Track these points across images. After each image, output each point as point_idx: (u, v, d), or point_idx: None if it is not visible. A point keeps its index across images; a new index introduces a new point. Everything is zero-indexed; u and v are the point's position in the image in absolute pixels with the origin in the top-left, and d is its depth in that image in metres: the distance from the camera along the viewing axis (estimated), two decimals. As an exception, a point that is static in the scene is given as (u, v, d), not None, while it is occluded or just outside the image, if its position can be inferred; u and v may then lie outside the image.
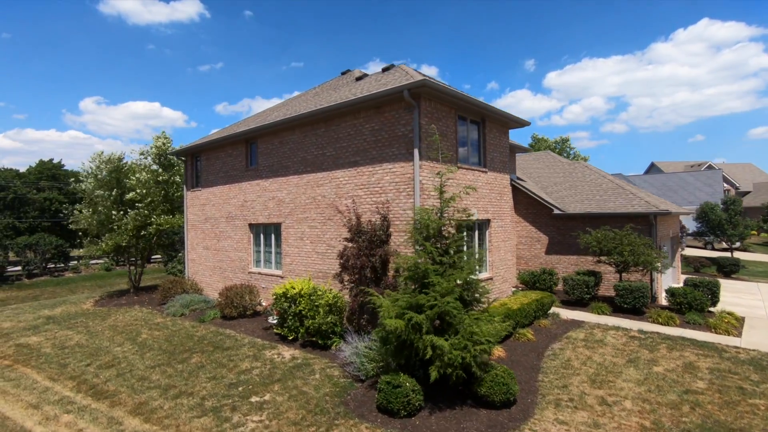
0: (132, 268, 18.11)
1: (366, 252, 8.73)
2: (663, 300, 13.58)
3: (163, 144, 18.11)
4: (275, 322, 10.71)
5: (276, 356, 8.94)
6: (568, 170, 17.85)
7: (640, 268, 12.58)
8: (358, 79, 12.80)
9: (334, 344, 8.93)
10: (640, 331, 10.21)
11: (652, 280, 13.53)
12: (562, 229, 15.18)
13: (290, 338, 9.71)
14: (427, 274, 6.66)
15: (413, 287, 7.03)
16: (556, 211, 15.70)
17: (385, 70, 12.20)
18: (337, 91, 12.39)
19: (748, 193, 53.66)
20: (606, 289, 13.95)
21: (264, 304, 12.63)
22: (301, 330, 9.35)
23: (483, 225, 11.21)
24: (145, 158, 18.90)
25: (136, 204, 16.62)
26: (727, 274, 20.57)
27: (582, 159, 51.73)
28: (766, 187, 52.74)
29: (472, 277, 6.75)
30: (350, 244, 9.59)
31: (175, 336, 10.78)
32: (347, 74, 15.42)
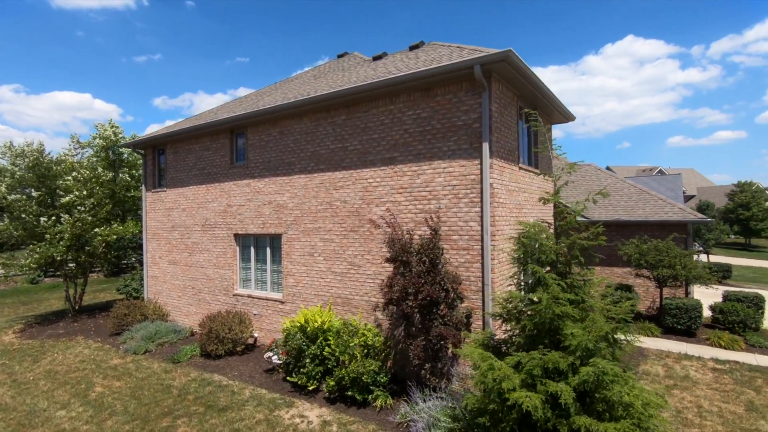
0: (71, 286, 14.57)
1: (428, 279, 6.57)
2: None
3: (113, 134, 14.77)
4: (279, 361, 8.27)
5: (299, 421, 6.55)
6: (579, 173, 16.65)
7: (680, 283, 11.43)
8: (377, 58, 10.57)
9: (379, 401, 6.67)
10: (716, 360, 8.86)
11: (687, 294, 12.46)
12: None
13: (310, 388, 7.33)
14: (556, 320, 4.65)
15: (524, 337, 4.99)
16: (578, 218, 14.32)
17: (413, 48, 10.08)
18: (350, 72, 10.10)
19: (692, 197, 56.93)
20: (640, 305, 12.73)
21: (256, 335, 10.07)
22: (329, 380, 7.01)
23: (534, 237, 9.39)
24: (83, 150, 15.45)
25: (77, 208, 13.25)
26: (720, 281, 20.44)
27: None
28: (710, 191, 56.26)
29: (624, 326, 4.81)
30: (391, 266, 7.39)
31: (145, 388, 7.99)
32: (347, 57, 13.14)
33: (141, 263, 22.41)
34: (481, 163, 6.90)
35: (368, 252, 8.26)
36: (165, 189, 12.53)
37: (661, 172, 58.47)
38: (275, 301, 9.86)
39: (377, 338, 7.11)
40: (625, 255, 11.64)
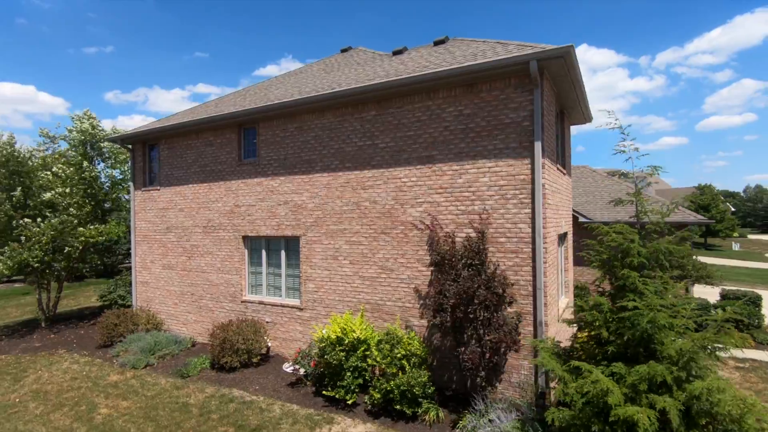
0: (44, 293, 13.21)
1: (480, 283, 6.22)
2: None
3: (91, 127, 13.54)
4: (305, 373, 7.73)
5: (347, 439, 6.05)
6: (575, 174, 16.90)
7: (692, 282, 11.72)
8: (396, 53, 10.15)
9: (431, 413, 6.27)
10: (735, 359, 9.06)
11: (687, 293, 12.82)
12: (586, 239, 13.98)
13: (349, 402, 6.83)
14: (650, 328, 4.42)
15: (617, 346, 4.74)
16: (581, 219, 14.52)
17: (437, 43, 9.73)
18: (367, 67, 9.64)
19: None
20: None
21: (269, 344, 9.41)
22: (374, 393, 6.53)
23: (562, 239, 9.28)
24: (53, 145, 14.13)
25: (58, 207, 12.01)
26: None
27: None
28: (668, 193, 59.49)
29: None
30: (429, 270, 7.02)
31: (159, 408, 7.21)
32: (353, 51, 12.65)
33: (118, 268, 20.93)
34: (532, 163, 6.65)
35: (402, 255, 7.84)
36: (158, 187, 11.55)
37: (624, 175, 61.24)
38: (291, 307, 9.24)
39: (422, 347, 6.71)
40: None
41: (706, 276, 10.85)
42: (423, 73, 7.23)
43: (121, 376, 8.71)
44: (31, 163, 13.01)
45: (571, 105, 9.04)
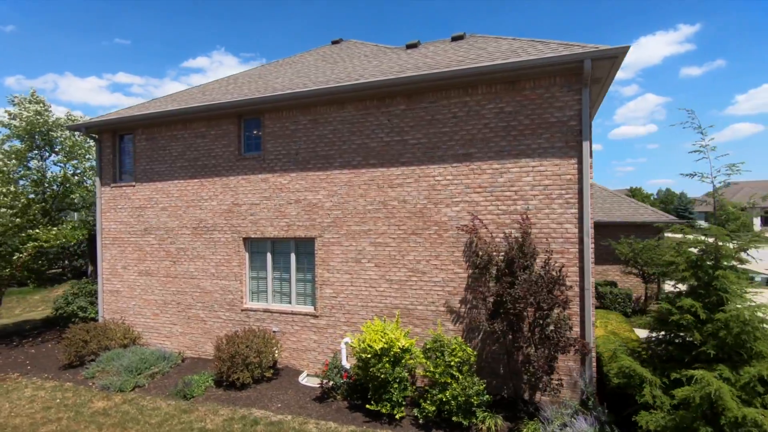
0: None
1: (540, 285, 6.05)
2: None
3: (39, 113, 11.67)
4: (332, 385, 7.16)
5: (408, 457, 5.59)
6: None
7: (656, 278, 12.57)
8: (410, 47, 9.76)
9: (488, 423, 5.98)
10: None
11: (659, 288, 13.76)
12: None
13: (397, 416, 6.35)
14: (743, 330, 4.47)
15: (712, 347, 4.74)
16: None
17: (455, 39, 9.49)
18: (380, 59, 9.19)
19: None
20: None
21: (278, 356, 8.62)
22: (426, 406, 6.12)
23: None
24: None
25: (14, 217, 10.18)
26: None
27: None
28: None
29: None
30: (466, 273, 6.76)
31: (173, 438, 6.24)
32: (347, 43, 12.10)
33: (80, 273, 18.47)
34: (579, 163, 6.62)
35: (436, 257, 7.50)
36: (133, 183, 10.18)
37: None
38: (304, 315, 8.52)
39: (473, 354, 6.41)
40: (621, 254, 12.42)
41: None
42: (465, 67, 6.94)
43: (108, 401, 7.48)
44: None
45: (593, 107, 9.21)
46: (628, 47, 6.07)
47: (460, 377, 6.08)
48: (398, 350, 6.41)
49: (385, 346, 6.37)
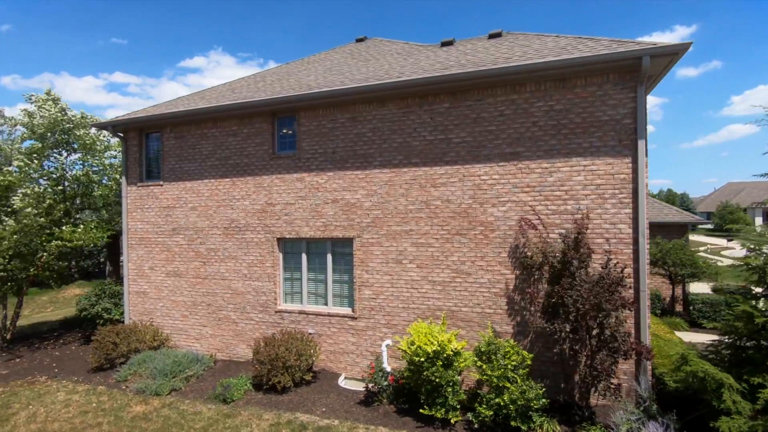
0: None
1: (601, 286, 5.91)
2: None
3: (60, 112, 11.46)
4: (377, 389, 7.01)
5: (469, 463, 5.44)
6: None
7: (697, 279, 12.45)
8: (445, 44, 9.62)
9: (545, 427, 5.84)
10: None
11: (684, 290, 13.66)
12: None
13: (452, 421, 6.20)
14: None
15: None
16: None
17: (492, 36, 9.36)
18: (420, 57, 9.05)
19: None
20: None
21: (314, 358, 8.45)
22: (482, 410, 5.97)
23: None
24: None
25: (24, 210, 9.98)
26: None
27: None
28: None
29: None
30: (513, 273, 6.62)
31: (222, 443, 6.07)
32: (372, 41, 11.96)
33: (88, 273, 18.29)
34: (634, 162, 6.49)
35: (482, 258, 7.36)
36: (161, 182, 10.00)
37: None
38: (342, 316, 8.37)
39: (529, 356, 6.27)
40: (650, 255, 12.32)
41: (714, 274, 11.62)
42: (515, 64, 6.80)
43: (147, 406, 7.30)
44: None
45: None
46: (690, 44, 5.94)
47: (519, 380, 5.94)
48: (451, 353, 6.26)
49: (438, 348, 6.22)
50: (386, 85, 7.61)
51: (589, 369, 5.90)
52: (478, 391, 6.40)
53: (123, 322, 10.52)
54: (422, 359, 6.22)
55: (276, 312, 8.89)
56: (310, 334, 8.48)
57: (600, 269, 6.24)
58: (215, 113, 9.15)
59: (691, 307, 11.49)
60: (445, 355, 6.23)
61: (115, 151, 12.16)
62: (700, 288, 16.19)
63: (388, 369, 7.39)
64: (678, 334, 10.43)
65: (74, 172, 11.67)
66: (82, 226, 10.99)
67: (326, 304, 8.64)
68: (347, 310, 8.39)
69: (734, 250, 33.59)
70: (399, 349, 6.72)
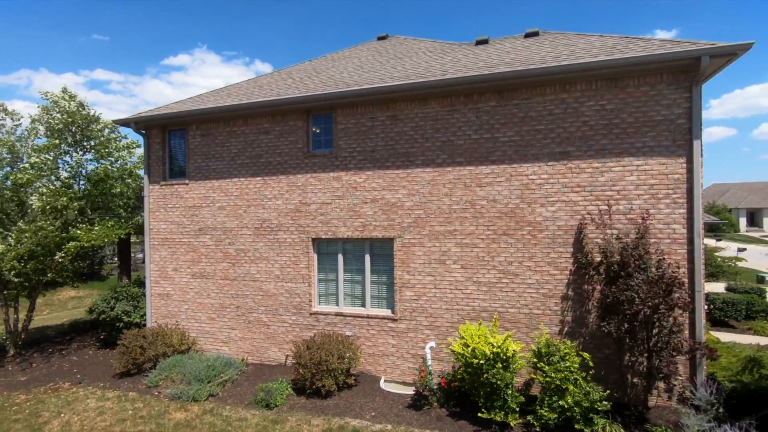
0: (9, 311, 10.51)
1: (660, 287, 5.87)
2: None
3: (78, 108, 11.07)
4: (427, 392, 6.88)
5: (539, 468, 5.34)
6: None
7: (715, 279, 12.59)
8: (480, 42, 9.54)
9: (608, 430, 5.77)
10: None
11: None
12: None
13: (512, 424, 6.10)
14: None
15: None
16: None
17: (528, 36, 9.31)
18: (458, 55, 8.95)
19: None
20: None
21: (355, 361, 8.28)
22: (545, 413, 5.88)
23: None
24: (14, 123, 11.48)
25: (45, 208, 9.60)
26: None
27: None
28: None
29: None
30: (563, 274, 6.58)
31: (277, 451, 5.87)
32: (394, 39, 11.84)
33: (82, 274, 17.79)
34: (689, 162, 6.49)
35: (530, 258, 7.28)
36: (186, 181, 9.71)
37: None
38: (381, 318, 8.21)
39: (589, 358, 6.20)
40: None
41: (733, 273, 11.76)
42: (567, 63, 6.74)
43: (186, 412, 7.04)
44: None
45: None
46: (752, 43, 5.95)
47: (581, 382, 5.87)
48: (510, 355, 6.16)
49: (498, 350, 6.12)
50: (431, 83, 7.48)
51: (647, 370, 5.87)
52: (531, 392, 6.31)
53: (143, 325, 10.19)
54: (482, 361, 6.11)
55: (311, 314, 8.69)
56: (348, 336, 8.30)
57: (654, 270, 6.21)
58: (246, 110, 8.90)
59: (711, 306, 11.63)
60: (504, 357, 6.13)
61: (130, 150, 11.78)
62: (713, 287, 16.40)
63: (434, 371, 7.26)
64: (720, 334, 10.55)
65: (91, 168, 11.27)
66: (98, 224, 10.59)
67: (364, 305, 8.47)
68: (387, 312, 8.24)
69: (725, 251, 34.25)
70: (452, 351, 6.60)
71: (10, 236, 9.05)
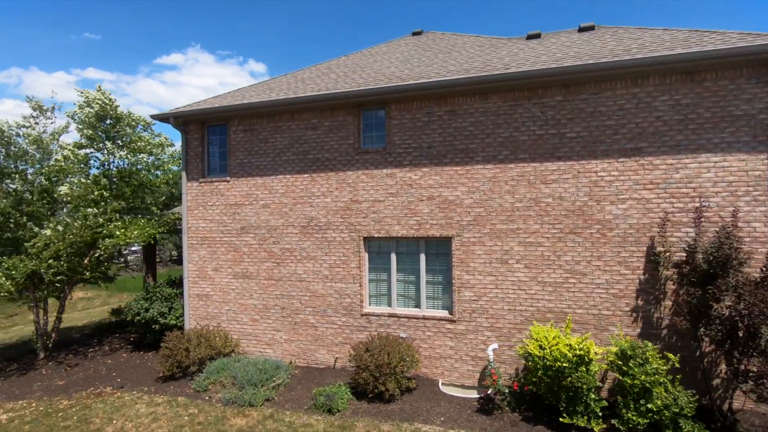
0: (39, 311, 10.15)
1: (763, 287, 5.68)
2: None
3: (111, 99, 10.74)
4: (499, 396, 6.66)
5: (636, 475, 5.12)
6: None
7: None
8: (531, 37, 9.33)
9: (699, 436, 5.57)
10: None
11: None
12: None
13: (596, 429, 5.87)
14: None
15: None
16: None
17: (582, 30, 9.11)
18: (512, 49, 8.74)
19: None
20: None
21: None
22: (633, 417, 5.66)
23: None
24: (48, 121, 11.15)
25: (87, 208, 9.29)
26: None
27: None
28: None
29: None
30: (634, 273, 6.37)
31: (355, 459, 5.61)
32: (432, 34, 11.62)
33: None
34: (771, 158, 6.30)
35: (599, 257, 7.07)
36: (227, 178, 9.42)
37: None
38: (438, 319, 7.97)
39: (676, 359, 5.99)
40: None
41: None
42: (641, 57, 6.54)
43: (246, 418, 6.76)
44: (20, 141, 10.01)
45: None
46: None
47: (669, 385, 5.67)
48: (594, 357, 5.95)
49: (581, 353, 5.90)
50: (495, 76, 7.25)
51: (734, 373, 5.67)
52: (600, 396, 6.09)
53: (179, 327, 9.88)
54: (564, 364, 5.88)
55: (362, 315, 8.43)
56: (402, 338, 8.05)
57: (760, 271, 5.98)
58: (293, 105, 8.63)
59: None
60: (587, 360, 5.91)
61: (163, 147, 11.45)
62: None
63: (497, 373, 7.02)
64: None
65: (121, 164, 10.93)
66: (130, 222, 10.26)
67: (418, 306, 8.23)
68: (444, 313, 8.00)
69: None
70: (526, 353, 6.38)
71: (49, 231, 8.71)
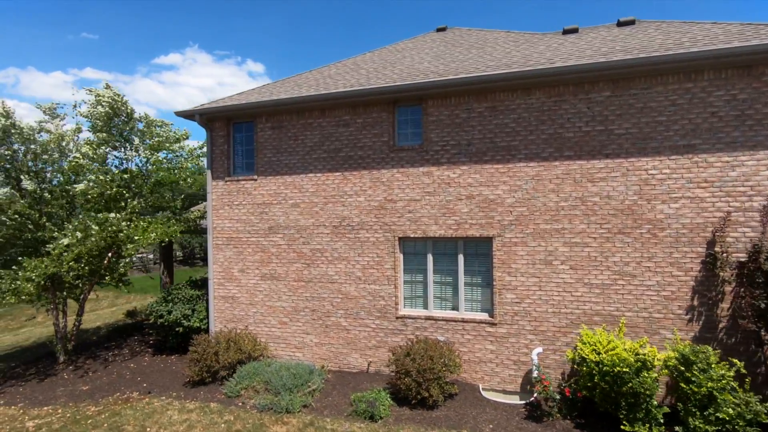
0: (59, 314, 9.86)
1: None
2: None
3: (119, 99, 10.44)
4: (551, 403, 6.42)
5: (710, 488, 4.87)
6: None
7: None
8: (568, 32, 9.09)
9: (770, 444, 5.33)
10: None
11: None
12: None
13: (656, 440, 5.63)
14: None
15: None
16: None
17: (621, 24, 8.88)
18: (551, 44, 8.50)
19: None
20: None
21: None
22: (699, 424, 5.41)
23: None
24: (59, 122, 10.82)
25: (106, 211, 9.02)
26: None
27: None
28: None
29: None
30: (689, 275, 6.13)
31: (410, 470, 5.34)
32: (457, 30, 11.39)
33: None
34: (834, 156, 6.07)
35: (649, 258, 6.82)
36: (254, 176, 9.15)
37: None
38: (478, 322, 7.72)
39: (741, 365, 5.74)
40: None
41: None
42: (696, 50, 6.31)
43: (286, 425, 6.49)
44: (41, 139, 9.73)
45: None
46: None
47: (740, 392, 5.42)
48: (655, 362, 5.70)
49: (643, 357, 5.65)
50: (539, 71, 7.01)
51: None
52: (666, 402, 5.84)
53: (203, 329, 9.60)
54: (624, 369, 5.63)
55: (397, 318, 8.17)
56: (440, 341, 7.79)
57: None
58: (324, 101, 8.37)
59: None
60: (649, 365, 5.67)
61: (180, 142, 11.14)
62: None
63: (538, 378, 6.77)
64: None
65: (141, 162, 10.65)
66: (148, 221, 9.96)
67: (456, 309, 7.97)
68: (484, 316, 7.74)
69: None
70: (580, 357, 6.13)
71: (66, 240, 8.43)
